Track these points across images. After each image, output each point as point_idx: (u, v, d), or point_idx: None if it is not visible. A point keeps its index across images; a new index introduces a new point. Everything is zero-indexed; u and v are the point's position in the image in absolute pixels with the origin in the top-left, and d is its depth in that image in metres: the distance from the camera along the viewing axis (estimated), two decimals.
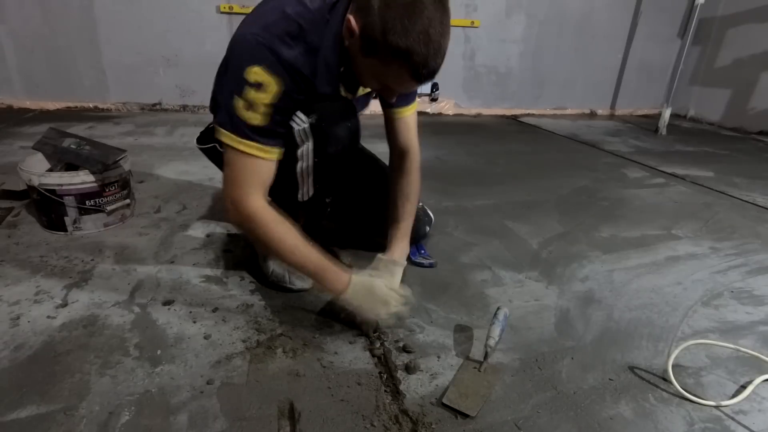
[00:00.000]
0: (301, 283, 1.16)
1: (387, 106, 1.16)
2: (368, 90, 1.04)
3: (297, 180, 1.04)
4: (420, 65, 0.80)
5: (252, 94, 0.85)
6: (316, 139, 0.97)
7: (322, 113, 0.95)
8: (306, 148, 0.98)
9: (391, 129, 1.19)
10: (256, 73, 0.84)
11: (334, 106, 0.98)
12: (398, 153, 1.20)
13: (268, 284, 1.18)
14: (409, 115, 1.18)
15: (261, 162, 0.90)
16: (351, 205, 1.35)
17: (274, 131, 0.90)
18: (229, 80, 0.88)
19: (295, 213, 1.01)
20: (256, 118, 0.87)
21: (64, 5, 2.90)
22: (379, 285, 0.98)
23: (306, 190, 1.07)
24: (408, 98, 1.16)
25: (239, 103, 0.86)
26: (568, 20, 3.86)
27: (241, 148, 0.89)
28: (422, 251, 1.38)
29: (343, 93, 0.99)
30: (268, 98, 0.86)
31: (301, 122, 0.94)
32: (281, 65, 0.85)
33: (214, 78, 1.03)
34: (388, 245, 1.15)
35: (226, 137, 0.89)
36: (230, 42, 0.90)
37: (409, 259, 1.33)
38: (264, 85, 0.85)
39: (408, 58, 0.80)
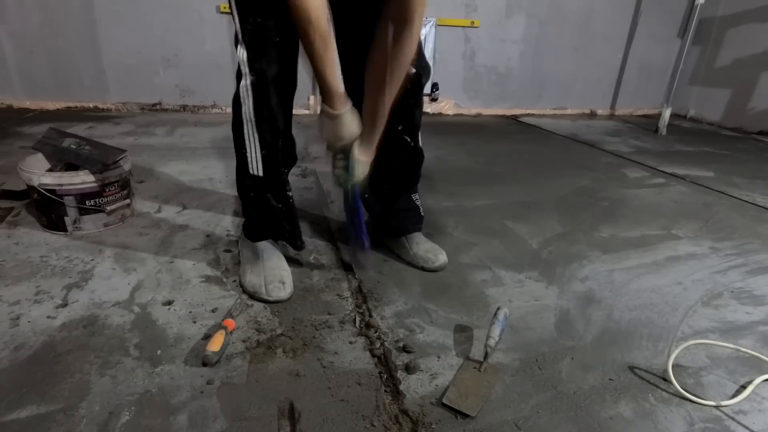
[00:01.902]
0: (277, 293, 1.12)
1: None
2: None
3: None
4: None
5: None
6: None
7: None
8: None
9: None
10: None
11: None
12: (397, 20, 0.98)
13: (248, 295, 1.14)
14: None
15: None
16: None
17: None
18: None
19: None
20: None
21: (64, 5, 2.90)
22: (352, 131, 1.06)
23: None
24: None
25: None
26: (568, 20, 3.86)
27: None
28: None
29: None
30: None
31: None
32: None
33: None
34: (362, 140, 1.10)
35: None
36: None
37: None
38: None
39: None
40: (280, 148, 1.11)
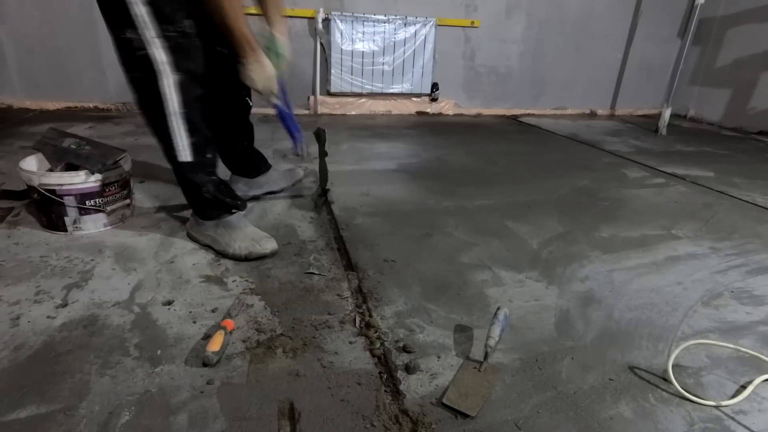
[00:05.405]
0: (270, 245, 1.30)
1: None
2: None
3: None
4: None
5: None
6: None
7: None
8: None
9: None
10: None
11: None
12: None
13: (242, 259, 1.28)
14: None
15: None
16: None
17: None
18: None
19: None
20: None
21: (64, 5, 2.90)
22: (269, 71, 1.30)
23: None
24: None
25: None
26: (568, 20, 3.86)
27: None
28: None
29: None
30: None
31: None
32: None
33: None
34: (271, 24, 1.39)
35: None
36: None
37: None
38: None
39: None
40: (208, 133, 1.27)
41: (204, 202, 1.32)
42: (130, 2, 1.04)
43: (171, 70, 1.12)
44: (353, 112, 3.59)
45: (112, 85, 3.16)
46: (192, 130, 1.21)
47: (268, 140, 1.79)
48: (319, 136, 1.66)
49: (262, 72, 1.28)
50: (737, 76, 3.80)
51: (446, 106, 3.84)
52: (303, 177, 1.83)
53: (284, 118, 1.51)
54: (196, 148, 1.24)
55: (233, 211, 1.36)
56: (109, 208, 1.42)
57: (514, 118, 3.90)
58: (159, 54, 1.10)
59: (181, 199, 1.69)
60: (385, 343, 0.99)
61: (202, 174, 1.28)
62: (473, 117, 3.86)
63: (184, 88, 1.16)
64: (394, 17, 3.38)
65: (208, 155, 1.29)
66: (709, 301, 1.23)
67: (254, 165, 1.73)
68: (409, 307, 1.13)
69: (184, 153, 1.23)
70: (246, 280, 1.20)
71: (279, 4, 1.41)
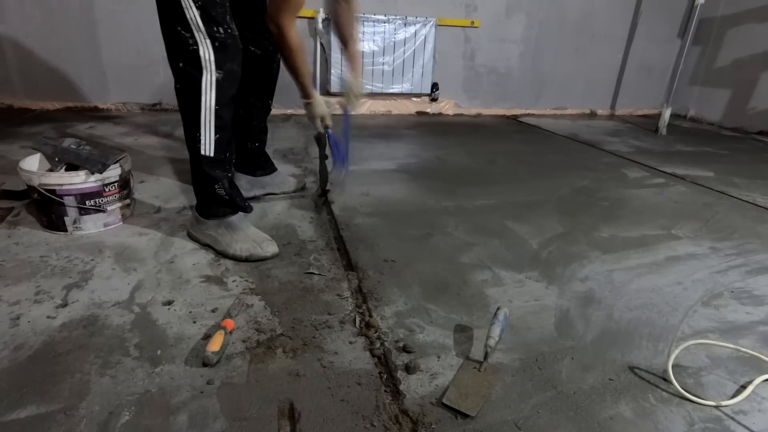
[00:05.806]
0: (272, 248, 1.31)
1: None
2: None
3: None
4: None
5: None
6: None
7: None
8: None
9: None
10: None
11: None
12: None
13: (243, 260, 1.29)
14: None
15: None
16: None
17: None
18: None
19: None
20: None
21: (64, 5, 2.90)
22: (322, 109, 1.62)
23: None
24: None
25: None
26: (568, 20, 3.86)
27: None
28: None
29: None
30: None
31: None
32: None
33: None
34: (351, 72, 1.68)
35: None
36: None
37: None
38: None
39: None
40: (232, 133, 1.33)
41: (214, 198, 1.33)
42: (185, 7, 1.13)
43: (214, 67, 1.19)
44: (353, 112, 3.59)
45: (112, 85, 3.16)
46: (220, 127, 1.26)
47: (268, 140, 1.79)
48: (319, 141, 1.71)
49: (315, 108, 1.60)
50: (737, 76, 3.80)
51: (446, 106, 3.84)
52: (304, 185, 1.89)
53: (333, 146, 1.73)
54: (219, 144, 1.27)
55: (238, 211, 1.37)
56: (109, 208, 1.42)
57: (514, 118, 3.90)
58: (206, 52, 1.17)
59: (181, 199, 1.70)
60: (385, 343, 0.99)
61: (219, 170, 1.30)
62: (473, 117, 3.86)
63: (221, 86, 1.22)
64: (394, 17, 3.38)
65: (228, 154, 1.33)
66: (709, 301, 1.23)
67: (259, 165, 1.77)
68: (409, 307, 1.13)
69: (208, 147, 1.27)
70: (246, 280, 1.20)
71: (359, 61, 1.71)
